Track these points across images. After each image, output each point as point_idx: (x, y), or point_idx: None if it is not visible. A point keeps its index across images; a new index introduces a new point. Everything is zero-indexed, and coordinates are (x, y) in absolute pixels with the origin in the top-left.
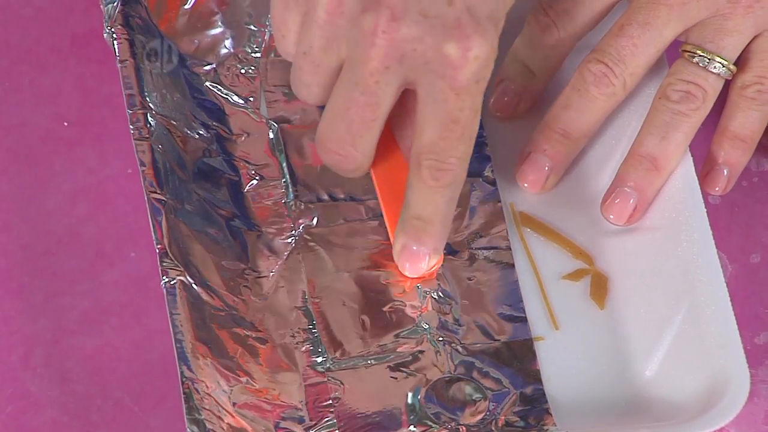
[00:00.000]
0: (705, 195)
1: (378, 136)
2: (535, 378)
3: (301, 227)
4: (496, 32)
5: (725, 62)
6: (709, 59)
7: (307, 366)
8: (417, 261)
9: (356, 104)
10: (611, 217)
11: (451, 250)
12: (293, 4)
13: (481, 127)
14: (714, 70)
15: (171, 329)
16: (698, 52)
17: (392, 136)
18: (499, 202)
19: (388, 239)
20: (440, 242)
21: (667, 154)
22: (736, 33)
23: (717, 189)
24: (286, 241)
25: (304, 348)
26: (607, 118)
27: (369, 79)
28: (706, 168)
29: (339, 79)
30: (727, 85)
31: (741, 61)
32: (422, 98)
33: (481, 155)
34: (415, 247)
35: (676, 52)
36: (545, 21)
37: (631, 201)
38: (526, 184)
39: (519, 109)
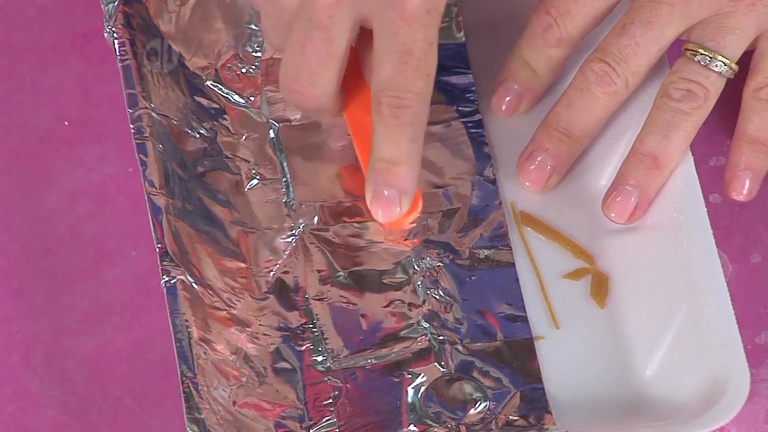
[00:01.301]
0: (705, 194)
1: (337, 73)
2: (536, 377)
3: (301, 227)
4: None
5: (727, 61)
6: (710, 58)
7: (308, 365)
8: (389, 206)
9: (311, 41)
10: (612, 215)
11: (451, 249)
12: None
13: (482, 126)
14: (716, 69)
15: (171, 329)
16: (700, 50)
17: (364, 79)
18: (500, 201)
19: (389, 239)
20: (408, 183)
21: (668, 153)
22: (738, 31)
23: (743, 195)
24: (286, 240)
25: (304, 347)
26: (609, 116)
27: (321, 14)
28: (729, 175)
29: (295, 18)
30: (729, 84)
31: (751, 64)
32: (377, 33)
33: (481, 154)
34: (385, 191)
35: (677, 51)
36: (546, 20)
37: (633, 199)
38: (527, 183)
39: (521, 108)
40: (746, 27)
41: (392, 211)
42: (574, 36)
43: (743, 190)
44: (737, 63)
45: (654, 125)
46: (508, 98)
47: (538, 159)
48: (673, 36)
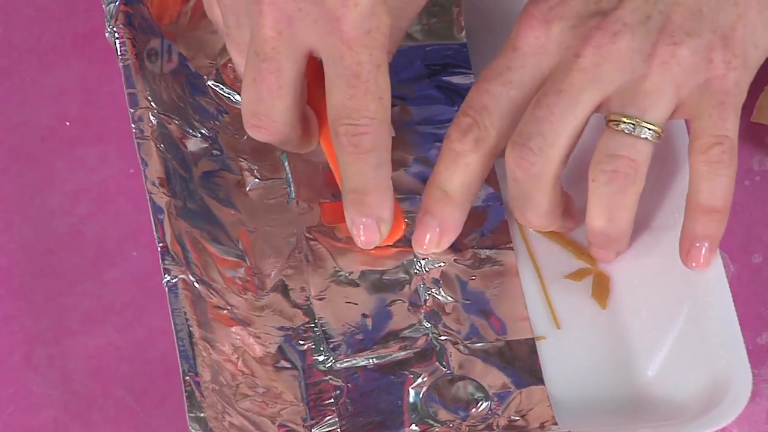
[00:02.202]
0: None
1: (293, 104)
2: (537, 377)
3: (302, 226)
4: None
5: (652, 126)
6: (634, 125)
7: (309, 365)
8: (368, 233)
9: (260, 74)
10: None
11: (453, 249)
12: None
13: None
14: (642, 136)
15: (173, 328)
16: (623, 119)
17: None
18: (502, 201)
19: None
20: (383, 210)
21: (619, 230)
22: (657, 93)
23: (702, 265)
24: (287, 239)
25: (305, 347)
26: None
27: (266, 46)
28: (686, 245)
29: (247, 53)
30: None
31: (688, 126)
32: (324, 61)
33: None
34: (362, 220)
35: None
36: (465, 122)
37: (608, 255)
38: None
39: (442, 243)
40: (664, 87)
41: (372, 238)
42: (492, 135)
43: (703, 260)
44: (662, 128)
45: (595, 209)
46: (426, 234)
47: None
48: (588, 103)
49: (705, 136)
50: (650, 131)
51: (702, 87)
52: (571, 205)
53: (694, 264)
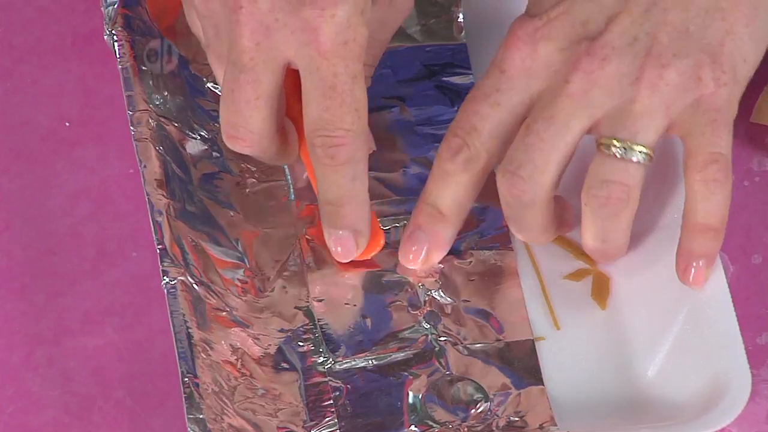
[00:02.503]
0: None
1: (270, 115)
2: (537, 378)
3: (302, 227)
4: None
5: (643, 148)
6: (625, 148)
7: (308, 366)
8: (344, 245)
9: (238, 85)
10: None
11: (452, 250)
12: (187, 4)
13: None
14: (634, 159)
15: (172, 329)
16: (613, 142)
17: None
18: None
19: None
20: (358, 222)
21: (616, 248)
22: (647, 115)
23: (700, 284)
24: (287, 241)
25: (305, 348)
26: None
27: (244, 57)
28: (683, 263)
29: (225, 64)
30: None
31: (684, 149)
32: (301, 73)
33: None
34: (339, 232)
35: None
36: (455, 142)
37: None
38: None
39: (432, 258)
40: (654, 109)
41: (349, 250)
42: (482, 156)
43: (701, 278)
44: (654, 151)
45: (589, 231)
46: (414, 248)
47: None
48: (578, 129)
49: (701, 153)
50: (642, 154)
51: (693, 105)
52: (566, 211)
53: (691, 283)
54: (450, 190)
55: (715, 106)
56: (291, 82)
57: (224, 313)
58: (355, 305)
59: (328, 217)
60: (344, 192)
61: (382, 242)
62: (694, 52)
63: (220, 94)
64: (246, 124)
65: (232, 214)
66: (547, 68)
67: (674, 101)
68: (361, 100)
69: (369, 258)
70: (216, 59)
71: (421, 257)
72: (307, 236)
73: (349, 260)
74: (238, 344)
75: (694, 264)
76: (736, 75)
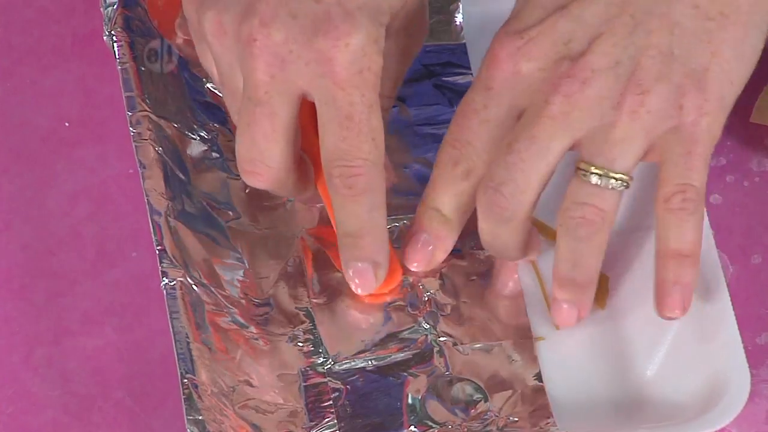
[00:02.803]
0: (707, 194)
1: (287, 148)
2: (536, 378)
3: (302, 228)
4: (372, 23)
5: (619, 175)
6: (602, 175)
7: (308, 366)
8: (363, 278)
9: (254, 118)
10: (558, 323)
11: (453, 250)
12: (198, 40)
13: None
14: (610, 187)
15: (171, 330)
16: (591, 169)
17: None
18: None
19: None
20: (377, 254)
21: (585, 276)
22: (627, 141)
23: (677, 312)
24: (286, 242)
25: (304, 348)
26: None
27: (259, 91)
28: (660, 293)
29: (241, 98)
30: None
31: (658, 176)
32: (317, 104)
33: None
34: (358, 265)
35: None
36: (453, 154)
37: (574, 312)
38: (414, 265)
39: (436, 258)
40: (634, 135)
41: (368, 282)
42: (480, 167)
43: (678, 306)
44: (630, 176)
45: (561, 254)
46: (418, 254)
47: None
48: (559, 150)
49: (669, 185)
50: (618, 182)
51: (672, 132)
52: (533, 237)
53: (668, 312)
54: (452, 196)
55: (693, 137)
56: (306, 114)
57: (223, 314)
58: (354, 306)
59: (346, 248)
60: (363, 223)
61: (401, 278)
62: (677, 77)
63: (220, 95)
64: (263, 158)
65: (231, 214)
66: (530, 87)
67: (655, 126)
68: (378, 129)
69: (387, 292)
70: (230, 95)
71: (427, 260)
72: (306, 236)
73: (368, 293)
74: (238, 345)
75: (670, 291)
76: (722, 100)
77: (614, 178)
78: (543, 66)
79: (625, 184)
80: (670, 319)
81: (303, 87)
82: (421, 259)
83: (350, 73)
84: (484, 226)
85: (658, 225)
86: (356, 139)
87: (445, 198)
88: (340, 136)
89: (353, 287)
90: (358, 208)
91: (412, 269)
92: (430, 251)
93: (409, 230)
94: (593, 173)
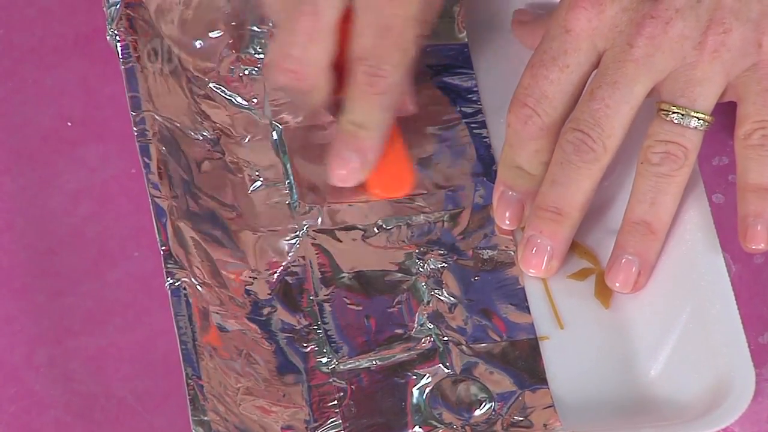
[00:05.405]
0: (708, 194)
1: (327, 50)
2: (540, 378)
3: (305, 228)
4: None
5: (701, 115)
6: (684, 114)
7: (312, 367)
8: (348, 168)
9: (299, 16)
10: (617, 285)
11: (455, 250)
12: None
13: (485, 126)
14: (691, 125)
15: (176, 331)
16: (672, 109)
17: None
18: None
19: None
20: (371, 152)
21: (660, 218)
22: (706, 81)
23: (761, 245)
24: (290, 242)
25: (309, 348)
26: (596, 185)
27: None
28: (742, 227)
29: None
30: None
31: (736, 113)
32: (358, 10)
33: (484, 155)
34: (346, 153)
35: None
36: (525, 112)
37: (634, 268)
38: (531, 270)
39: (526, 214)
40: (714, 75)
41: (350, 174)
42: (556, 120)
43: (762, 239)
44: (711, 114)
45: (640, 193)
46: (508, 211)
47: (537, 243)
48: (642, 93)
49: (747, 122)
50: (699, 120)
51: (750, 71)
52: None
53: (752, 244)
54: (528, 152)
55: None
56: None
57: (228, 314)
58: (358, 305)
59: (345, 136)
60: (372, 119)
61: (412, 183)
62: (756, 14)
63: (222, 94)
64: (303, 56)
65: (235, 214)
66: (613, 29)
67: (734, 65)
68: (412, 41)
69: (390, 194)
70: None
71: (516, 215)
72: (309, 236)
73: (345, 185)
74: (242, 345)
75: (751, 224)
76: None
77: (696, 117)
78: (626, 6)
79: (705, 123)
80: (754, 252)
81: None
82: (511, 220)
83: None
84: (558, 172)
85: (738, 162)
86: (390, 47)
87: (525, 155)
88: (374, 42)
89: (332, 172)
90: (373, 104)
91: (504, 228)
92: (520, 207)
93: (494, 190)
94: (675, 112)
